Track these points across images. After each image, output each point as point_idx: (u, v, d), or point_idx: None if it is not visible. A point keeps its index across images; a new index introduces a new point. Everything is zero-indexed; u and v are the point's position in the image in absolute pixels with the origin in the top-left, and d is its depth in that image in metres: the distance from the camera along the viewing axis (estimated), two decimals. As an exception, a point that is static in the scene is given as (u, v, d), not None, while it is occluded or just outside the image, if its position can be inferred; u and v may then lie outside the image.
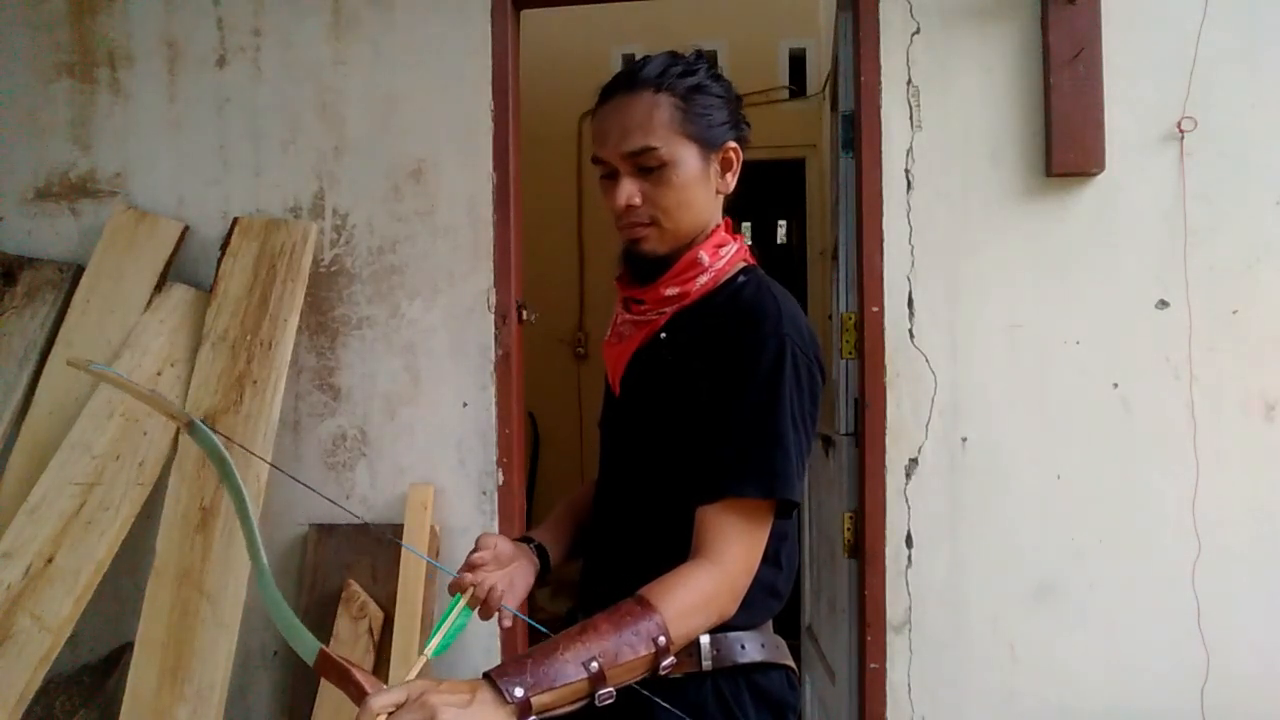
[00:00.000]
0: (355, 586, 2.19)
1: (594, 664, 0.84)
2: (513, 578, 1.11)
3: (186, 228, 2.39)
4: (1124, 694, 2.13)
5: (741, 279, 1.11)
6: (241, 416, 2.18)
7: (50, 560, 2.05)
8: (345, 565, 2.25)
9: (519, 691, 0.80)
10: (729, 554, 0.96)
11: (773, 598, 1.10)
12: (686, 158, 1.06)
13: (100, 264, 2.34)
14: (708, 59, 1.13)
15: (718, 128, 1.09)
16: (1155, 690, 2.11)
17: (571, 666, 0.84)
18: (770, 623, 1.12)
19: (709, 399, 1.03)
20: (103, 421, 2.19)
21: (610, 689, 0.86)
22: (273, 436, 2.19)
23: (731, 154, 1.12)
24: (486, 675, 0.81)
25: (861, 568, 2.22)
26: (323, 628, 2.17)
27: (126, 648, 2.20)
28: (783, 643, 1.12)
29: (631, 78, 1.08)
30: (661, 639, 0.88)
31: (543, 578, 1.17)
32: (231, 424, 2.17)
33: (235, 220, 2.37)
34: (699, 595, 0.94)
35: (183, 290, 2.34)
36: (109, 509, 2.11)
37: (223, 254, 2.33)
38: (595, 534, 1.20)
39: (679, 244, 1.09)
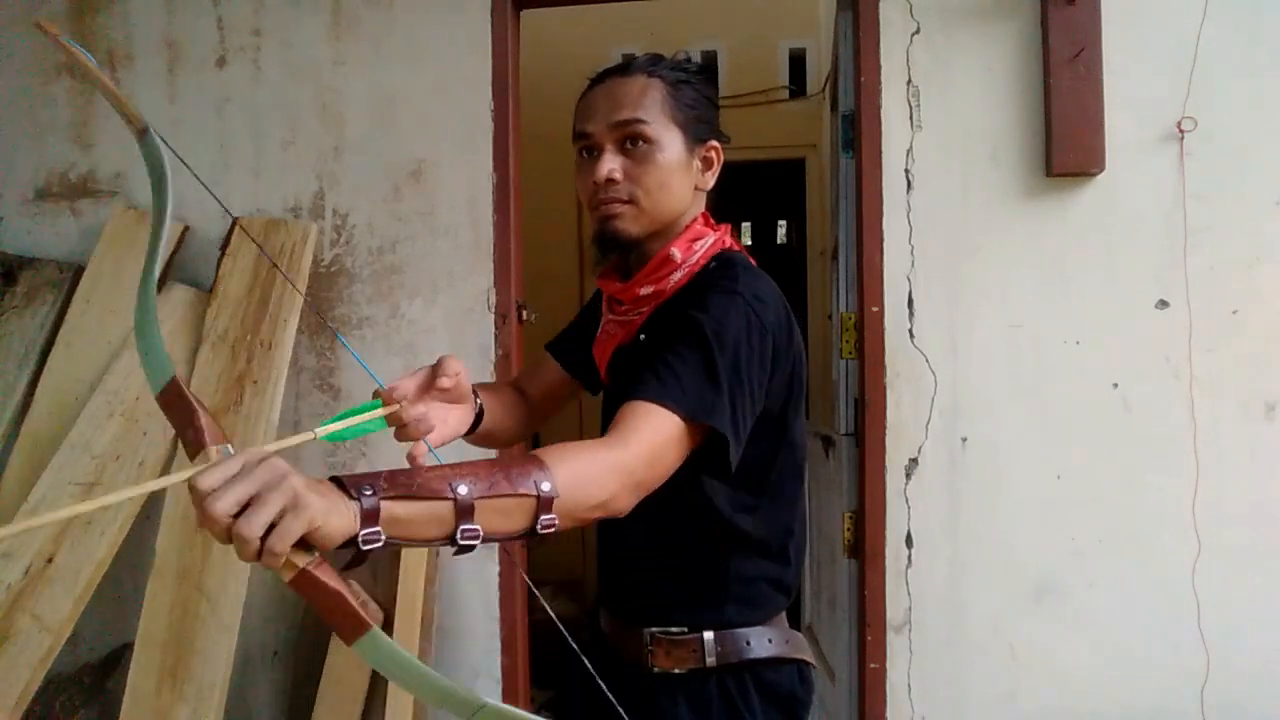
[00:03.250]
0: (355, 586, 2.19)
1: (463, 487, 0.73)
2: (448, 417, 1.00)
3: (186, 228, 2.39)
4: (1124, 694, 2.13)
5: (712, 265, 1.10)
6: (241, 416, 2.18)
7: (50, 560, 2.05)
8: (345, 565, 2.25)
9: (369, 492, 0.68)
10: (634, 442, 0.89)
11: (779, 592, 1.10)
12: (672, 141, 1.08)
13: (100, 264, 2.34)
14: (699, 63, 1.18)
15: (703, 123, 1.11)
16: (1155, 690, 2.11)
17: (437, 483, 0.72)
18: (783, 617, 1.12)
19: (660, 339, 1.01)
20: (103, 421, 2.18)
21: (477, 529, 0.73)
22: (273, 436, 2.19)
23: (713, 153, 1.13)
24: (333, 479, 0.70)
25: (861, 568, 2.22)
26: (323, 628, 2.17)
27: (126, 648, 2.20)
28: (797, 637, 1.12)
29: (625, 65, 1.11)
30: (546, 485, 0.78)
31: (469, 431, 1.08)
32: (232, 424, 2.17)
33: (235, 220, 2.36)
34: (593, 467, 0.85)
35: (183, 290, 2.34)
36: (109, 509, 2.11)
37: (223, 254, 2.33)
38: (603, 529, 1.20)
39: (652, 228, 1.09)
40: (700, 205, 1.15)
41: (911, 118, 2.20)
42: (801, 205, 4.23)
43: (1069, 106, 2.10)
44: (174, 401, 0.77)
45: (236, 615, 2.06)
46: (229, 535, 0.62)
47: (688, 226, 1.12)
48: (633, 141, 1.07)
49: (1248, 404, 2.11)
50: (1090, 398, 2.15)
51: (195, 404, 0.74)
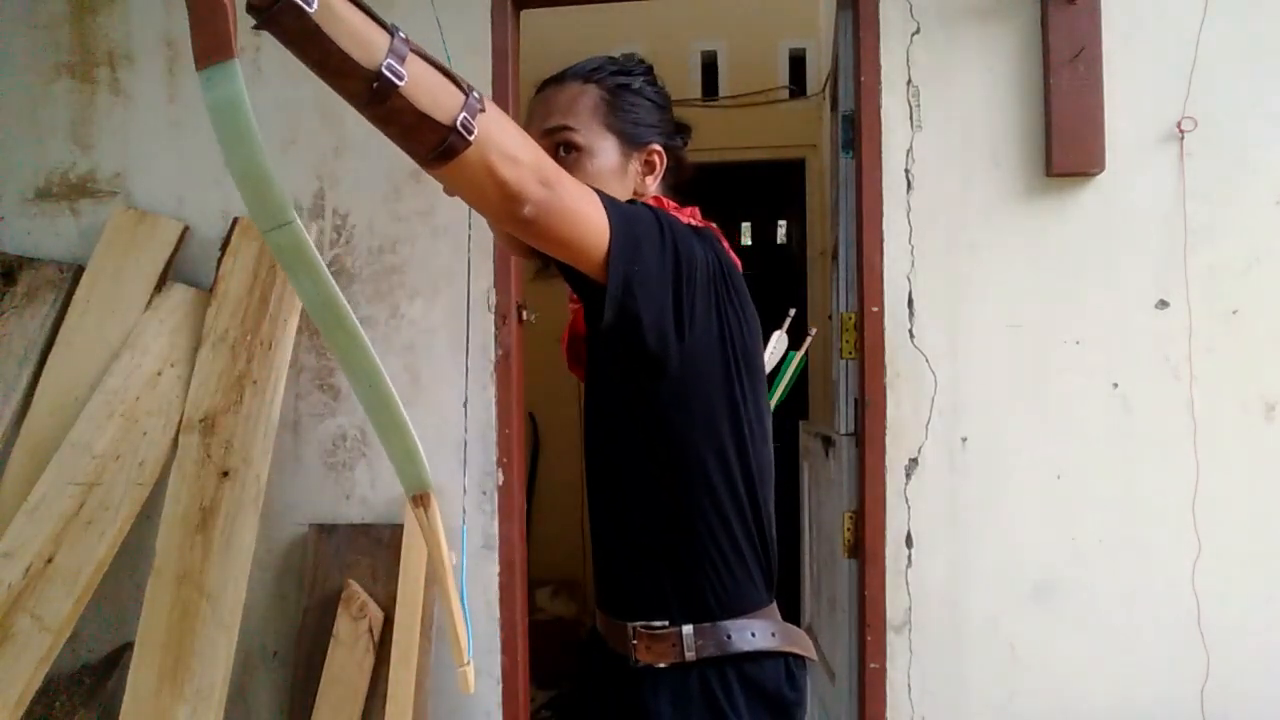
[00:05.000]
0: (355, 586, 2.19)
1: (403, 34, 0.71)
2: None
3: (186, 228, 2.39)
4: (1124, 694, 2.13)
5: None
6: (241, 416, 2.18)
7: (50, 560, 2.05)
8: (345, 565, 2.25)
9: None
10: (554, 163, 0.87)
11: (756, 581, 1.08)
12: (604, 148, 1.08)
13: (100, 264, 2.34)
14: (647, 65, 1.15)
15: (643, 127, 1.11)
16: (1155, 690, 2.12)
17: (378, 18, 0.70)
18: (772, 609, 1.10)
19: None
20: (103, 421, 2.19)
21: (402, 72, 0.69)
22: (273, 436, 2.19)
23: (655, 157, 1.12)
24: None
25: (861, 568, 2.22)
26: (323, 628, 2.17)
27: (126, 648, 2.20)
28: (790, 630, 1.10)
29: (563, 72, 1.11)
30: (477, 95, 0.75)
31: None
32: (231, 424, 2.17)
33: (235, 220, 2.37)
34: (518, 130, 0.82)
35: (183, 290, 2.34)
36: (109, 509, 2.11)
37: (223, 254, 2.33)
38: (592, 526, 1.20)
39: None
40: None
41: (911, 118, 2.20)
42: (801, 205, 4.23)
43: (1069, 106, 2.10)
44: None
45: (236, 615, 2.06)
46: None
47: None
48: (565, 149, 1.07)
49: (1248, 404, 2.11)
50: (1090, 398, 2.15)
51: None
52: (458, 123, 0.73)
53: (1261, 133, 2.11)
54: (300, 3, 0.63)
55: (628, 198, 1.10)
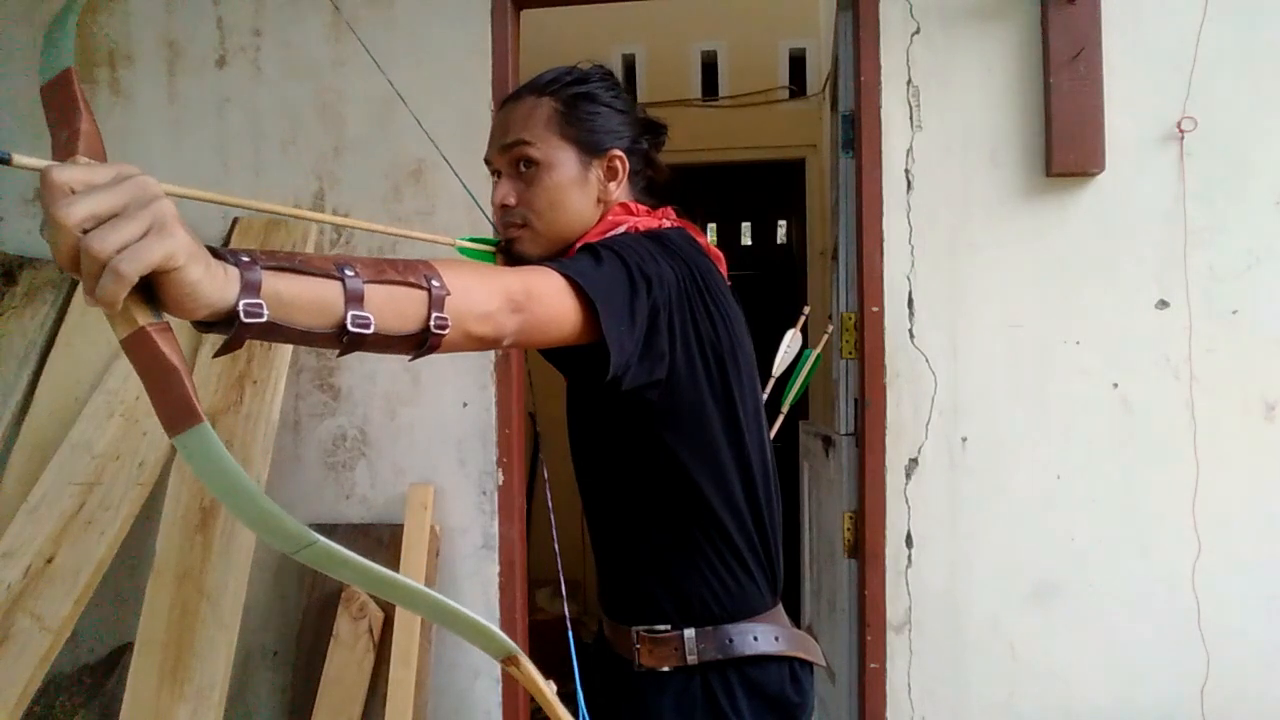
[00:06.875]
0: (355, 586, 2.19)
1: (350, 270, 0.66)
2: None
3: (186, 228, 2.38)
4: (1124, 694, 2.13)
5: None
6: (241, 416, 2.18)
7: (50, 560, 2.05)
8: (345, 565, 2.25)
9: (247, 259, 0.60)
10: (513, 272, 0.85)
11: (758, 584, 1.08)
12: (562, 160, 1.08)
13: (100, 264, 2.34)
14: (605, 71, 1.15)
15: (602, 134, 1.10)
16: (1155, 690, 2.11)
17: (321, 263, 0.65)
18: (777, 612, 1.10)
19: None
20: (103, 421, 2.18)
21: (368, 317, 0.65)
22: (273, 436, 2.19)
23: (617, 162, 1.12)
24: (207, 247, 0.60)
25: (861, 568, 2.22)
26: (323, 628, 2.17)
27: (126, 648, 2.20)
28: (795, 634, 1.09)
29: (520, 88, 1.13)
30: (436, 281, 0.72)
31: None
32: (231, 424, 2.17)
33: (235, 220, 2.36)
34: (475, 276, 0.79)
35: (183, 290, 2.34)
36: (109, 509, 2.11)
37: (223, 254, 2.33)
38: (591, 532, 1.21)
39: (553, 248, 1.09)
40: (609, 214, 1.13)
41: (911, 118, 2.20)
42: (801, 205, 4.23)
43: (1069, 106, 2.10)
44: (60, 94, 0.64)
45: (236, 615, 2.06)
46: (74, 253, 0.53)
47: (601, 218, 1.10)
48: (525, 164, 1.08)
49: (1248, 404, 2.11)
50: (1090, 398, 2.15)
51: (83, 105, 0.63)
52: (431, 324, 0.71)
53: (1261, 133, 2.11)
54: (250, 320, 0.59)
55: (591, 205, 1.10)
